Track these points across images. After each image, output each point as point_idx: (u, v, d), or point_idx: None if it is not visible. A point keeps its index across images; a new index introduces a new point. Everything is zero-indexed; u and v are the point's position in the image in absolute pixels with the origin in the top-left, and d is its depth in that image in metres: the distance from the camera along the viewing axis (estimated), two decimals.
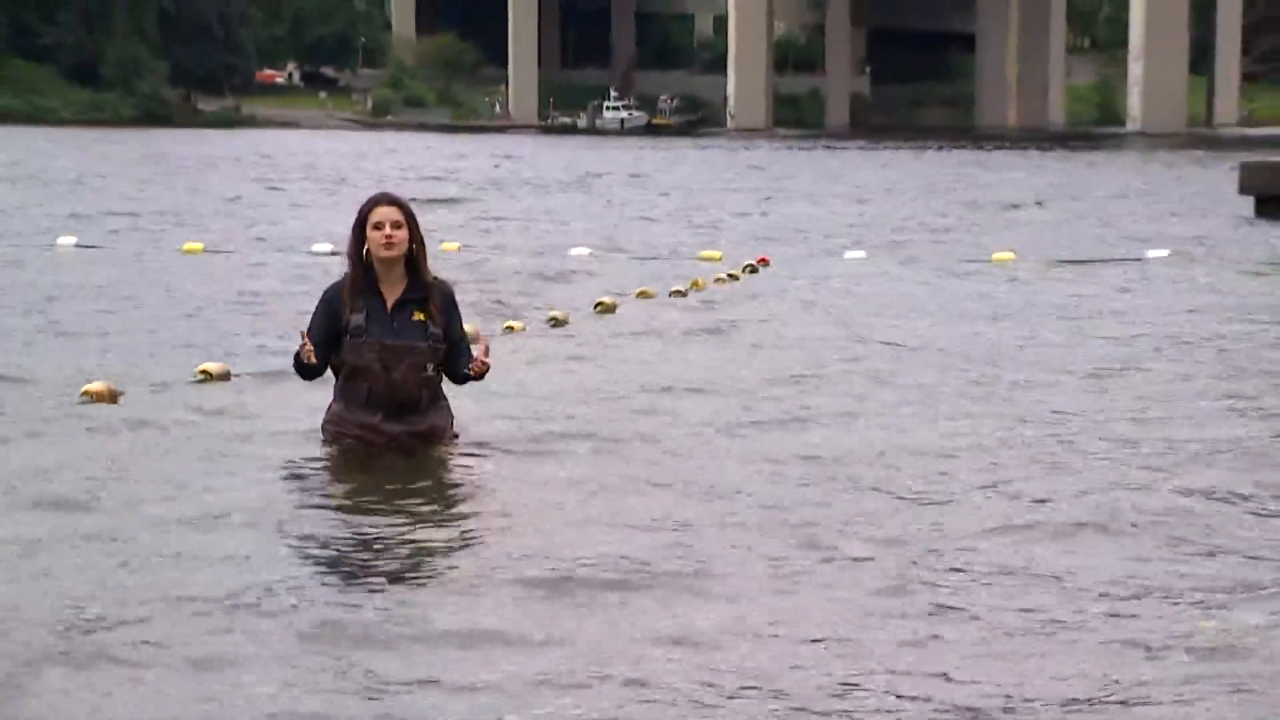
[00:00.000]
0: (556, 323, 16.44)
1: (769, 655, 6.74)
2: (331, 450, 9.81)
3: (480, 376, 9.87)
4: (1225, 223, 29.62)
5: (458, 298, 10.18)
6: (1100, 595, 7.68)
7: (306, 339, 9.51)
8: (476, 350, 9.86)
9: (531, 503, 9.15)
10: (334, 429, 9.88)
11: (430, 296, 9.74)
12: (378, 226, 9.60)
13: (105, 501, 9.06)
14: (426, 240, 9.88)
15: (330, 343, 9.65)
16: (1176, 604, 7.48)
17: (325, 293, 9.92)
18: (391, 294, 9.68)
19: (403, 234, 9.61)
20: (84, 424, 11.08)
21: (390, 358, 9.58)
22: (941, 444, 11.09)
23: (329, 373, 9.90)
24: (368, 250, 9.66)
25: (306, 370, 9.77)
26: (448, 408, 10.05)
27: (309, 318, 9.93)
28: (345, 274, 9.87)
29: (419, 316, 9.68)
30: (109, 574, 7.73)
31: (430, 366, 9.72)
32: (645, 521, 8.89)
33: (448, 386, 10.13)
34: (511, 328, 15.79)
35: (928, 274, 22.19)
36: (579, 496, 9.36)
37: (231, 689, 6.23)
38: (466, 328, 10.31)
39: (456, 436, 10.10)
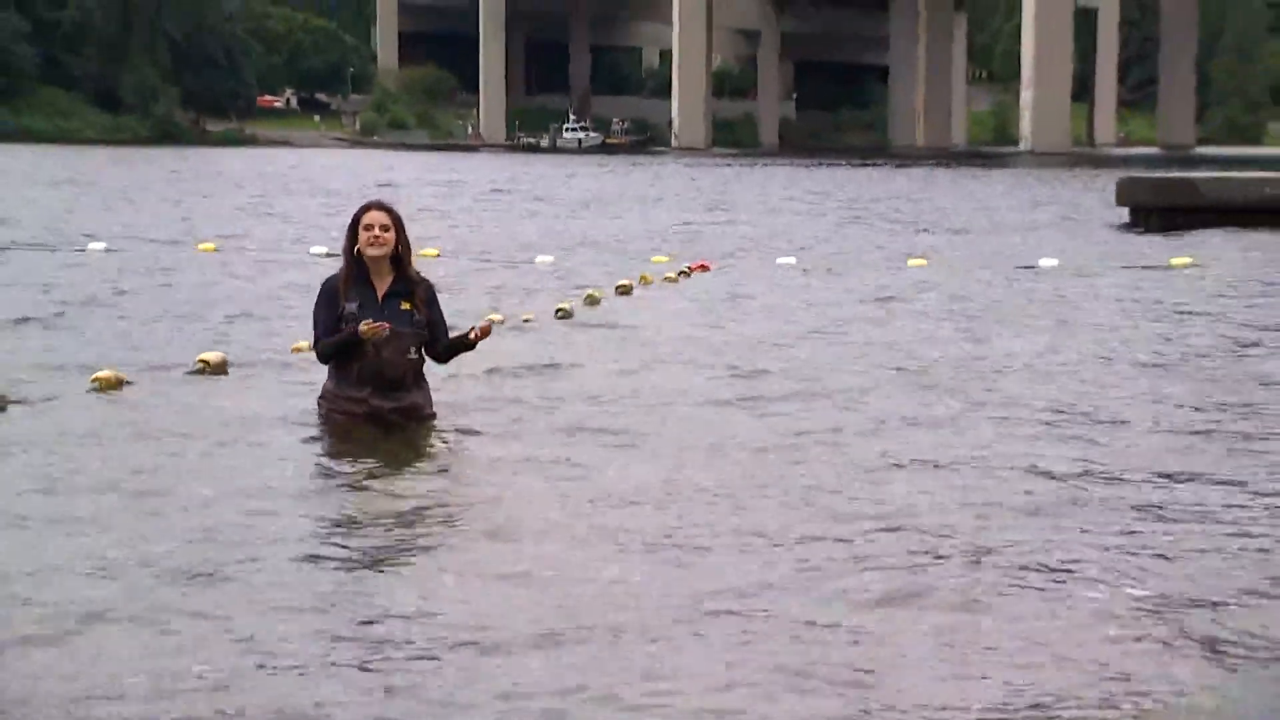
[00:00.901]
0: (528, 321, 16.14)
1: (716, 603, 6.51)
2: (325, 428, 9.89)
3: (478, 339, 10.00)
4: (1105, 230, 29.74)
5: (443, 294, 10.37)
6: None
7: (375, 325, 9.49)
8: (476, 329, 10.04)
9: (505, 475, 9.09)
10: (328, 405, 9.91)
11: (414, 290, 9.86)
12: (368, 228, 9.72)
13: (109, 475, 8.87)
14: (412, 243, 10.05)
15: (333, 328, 9.71)
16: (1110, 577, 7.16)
17: (324, 284, 9.99)
18: (381, 286, 9.78)
19: (390, 235, 9.75)
20: (93, 407, 10.94)
21: (380, 343, 9.56)
22: (848, 417, 10.91)
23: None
24: (359, 248, 9.73)
25: (330, 355, 9.85)
26: (428, 389, 10.08)
27: (312, 309, 10.01)
28: (340, 268, 9.92)
29: (405, 306, 9.77)
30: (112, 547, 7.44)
31: (414, 349, 9.81)
32: (608, 492, 8.75)
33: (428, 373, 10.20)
34: (493, 319, 15.48)
35: (852, 278, 21.97)
36: (549, 470, 9.28)
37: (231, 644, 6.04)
38: (494, 317, 11.19)
39: (434, 415, 10.10)
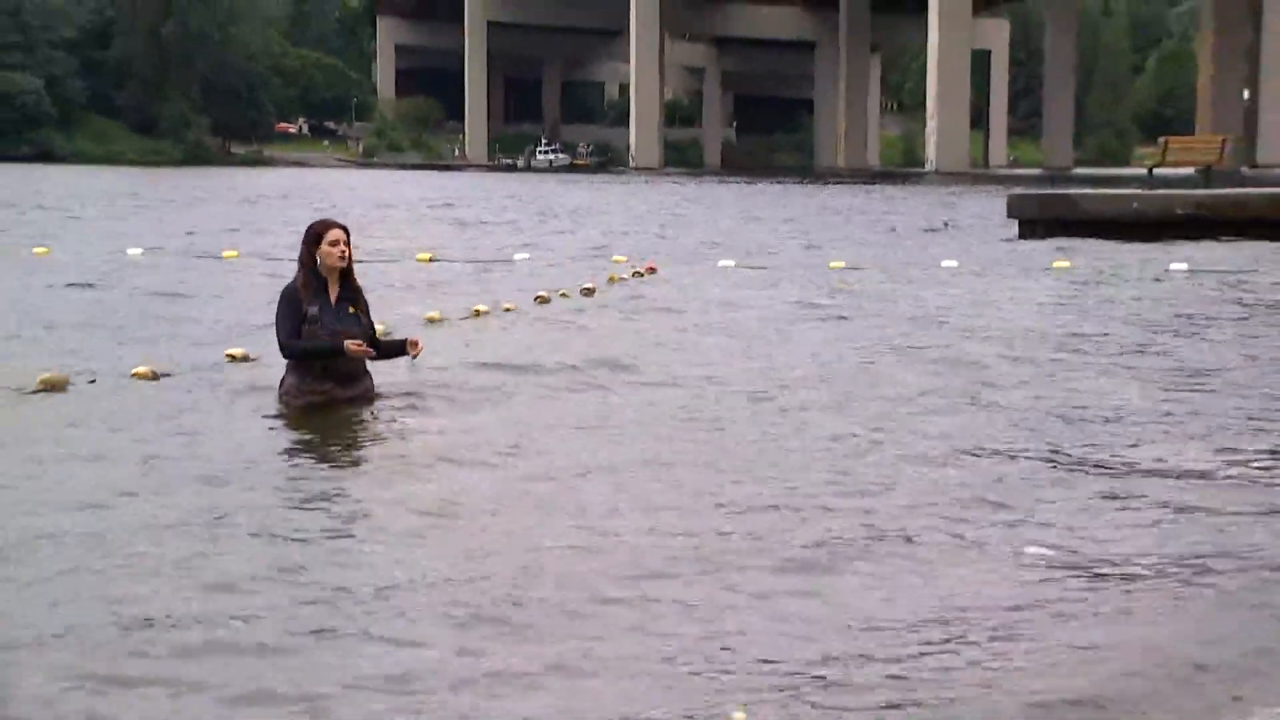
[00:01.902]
0: (509, 309, 16.18)
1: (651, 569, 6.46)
2: (291, 416, 9.71)
3: (414, 354, 10.35)
4: (997, 239, 29.68)
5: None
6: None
7: (351, 343, 9.71)
8: (412, 343, 10.35)
9: (453, 445, 9.06)
10: (290, 397, 9.83)
11: (358, 296, 9.97)
12: (334, 243, 9.74)
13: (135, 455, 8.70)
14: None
15: (298, 331, 9.69)
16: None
17: (285, 292, 9.87)
18: (333, 293, 9.81)
19: (349, 250, 9.82)
20: (128, 398, 10.67)
21: (336, 337, 9.64)
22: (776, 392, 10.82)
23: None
24: (320, 260, 9.76)
25: (300, 354, 9.79)
26: (371, 377, 10.15)
27: (275, 314, 9.93)
28: (296, 276, 9.87)
29: (353, 310, 9.87)
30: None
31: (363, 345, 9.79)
32: (544, 460, 8.71)
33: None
34: (478, 311, 15.53)
35: (782, 278, 21.98)
36: (496, 440, 9.21)
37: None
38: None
39: (379, 395, 10.15)
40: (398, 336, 10.55)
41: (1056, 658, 5.51)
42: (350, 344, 9.60)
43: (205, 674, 5.11)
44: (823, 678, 5.24)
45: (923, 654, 5.52)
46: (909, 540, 7.11)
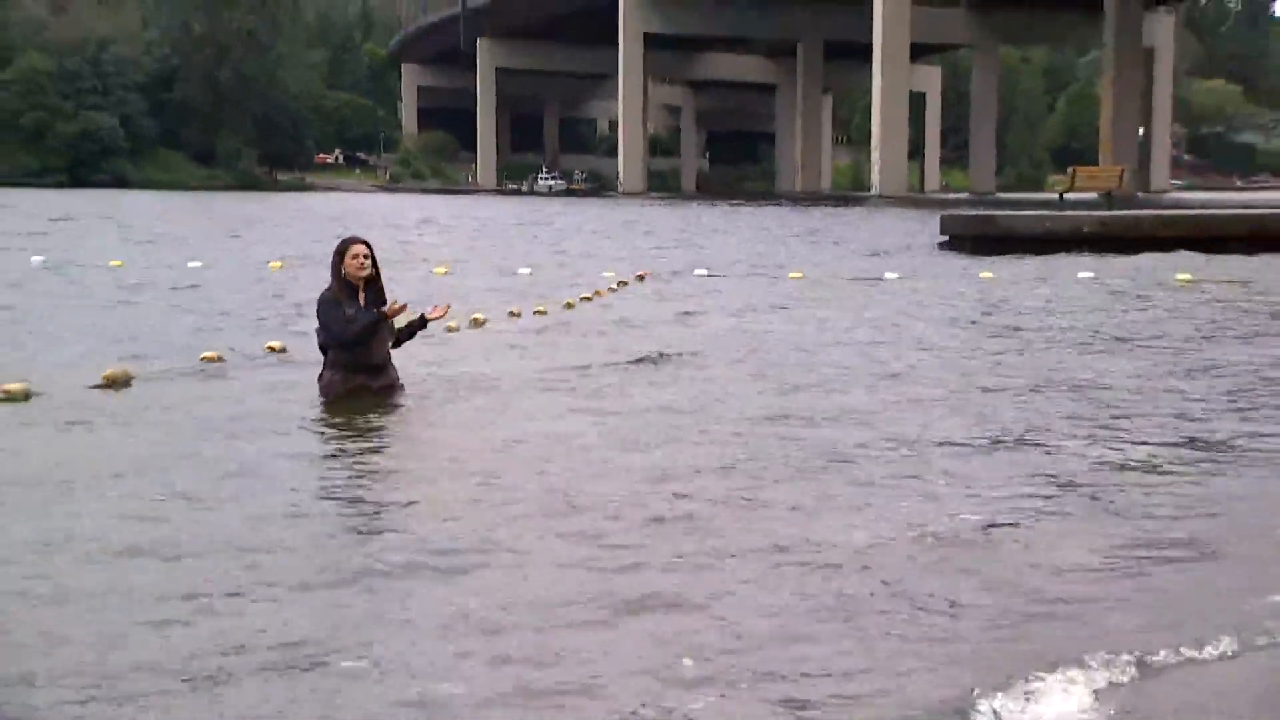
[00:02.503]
0: (514, 315, 16.11)
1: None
2: (329, 404, 9.69)
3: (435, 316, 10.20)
4: (931, 253, 29.75)
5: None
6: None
7: (392, 304, 9.84)
8: (434, 310, 10.21)
9: (464, 431, 8.92)
10: (331, 389, 9.83)
11: (384, 300, 9.90)
12: (354, 256, 9.74)
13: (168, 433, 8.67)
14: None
15: (343, 324, 9.69)
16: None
17: (322, 298, 9.88)
18: (361, 299, 9.79)
19: (370, 262, 9.78)
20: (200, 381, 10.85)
21: (379, 315, 9.74)
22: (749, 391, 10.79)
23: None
24: (346, 272, 9.77)
25: (349, 343, 9.77)
26: (396, 369, 10.14)
27: (318, 315, 9.92)
28: (330, 286, 9.85)
29: (378, 312, 9.81)
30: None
31: (390, 342, 9.93)
32: (550, 446, 8.49)
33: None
34: (476, 320, 15.41)
35: (748, 284, 21.99)
36: (500, 425, 9.07)
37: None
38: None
39: (403, 387, 10.10)
40: (412, 320, 10.15)
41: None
42: (392, 306, 9.76)
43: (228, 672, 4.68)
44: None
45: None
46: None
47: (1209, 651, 4.97)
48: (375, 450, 8.42)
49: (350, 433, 8.93)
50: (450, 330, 14.53)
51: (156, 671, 4.56)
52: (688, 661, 4.76)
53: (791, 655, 4.84)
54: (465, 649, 4.84)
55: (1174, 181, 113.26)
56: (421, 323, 10.11)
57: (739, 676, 4.63)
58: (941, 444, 8.67)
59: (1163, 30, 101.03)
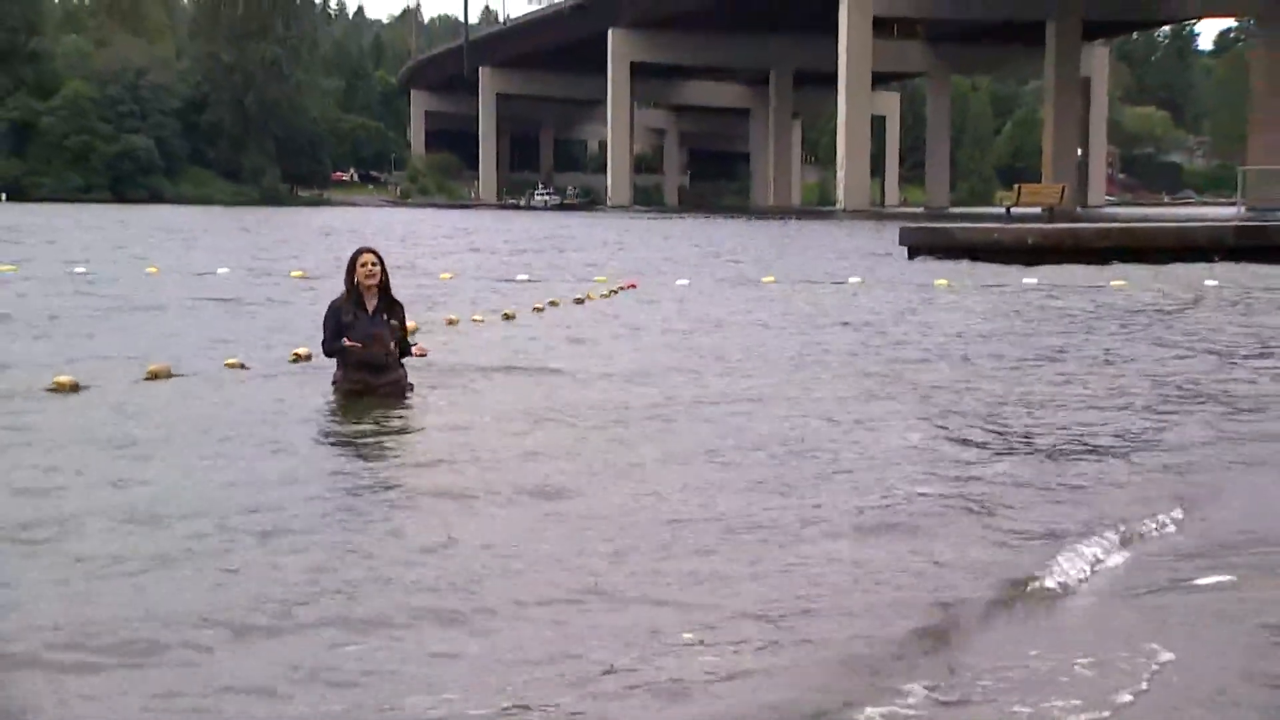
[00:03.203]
0: (507, 317, 16.09)
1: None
2: (338, 399, 9.67)
3: (418, 354, 10.21)
4: (890, 261, 29.77)
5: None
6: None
7: (347, 342, 9.70)
8: (416, 349, 10.23)
9: (470, 423, 8.96)
10: (339, 385, 9.82)
11: (394, 308, 9.88)
12: (364, 265, 9.74)
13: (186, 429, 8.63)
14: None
15: (339, 335, 9.70)
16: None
17: (330, 305, 9.95)
18: (370, 305, 9.75)
19: (378, 270, 9.76)
20: (220, 382, 10.78)
21: (365, 339, 9.65)
22: (736, 383, 10.80)
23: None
24: (357, 280, 9.74)
25: (334, 353, 9.83)
26: (404, 369, 10.00)
27: (322, 321, 9.94)
28: (341, 293, 9.88)
29: (386, 317, 9.79)
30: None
31: (391, 345, 9.78)
32: (546, 438, 8.51)
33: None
34: (476, 319, 15.41)
35: (726, 289, 22.01)
36: (502, 421, 9.07)
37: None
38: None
39: (412, 386, 9.98)
40: (421, 338, 10.59)
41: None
42: (346, 343, 9.66)
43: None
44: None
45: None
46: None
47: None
48: (353, 427, 8.60)
49: (343, 418, 9.14)
50: (450, 323, 14.59)
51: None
52: (687, 635, 4.76)
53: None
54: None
55: (1108, 197, 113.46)
56: (409, 353, 10.10)
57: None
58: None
59: (1098, 61, 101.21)
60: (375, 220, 69.69)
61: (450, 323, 15.02)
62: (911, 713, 4.03)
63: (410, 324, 10.77)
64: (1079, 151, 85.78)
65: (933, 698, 4.14)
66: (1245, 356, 13.18)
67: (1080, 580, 5.54)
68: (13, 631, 4.59)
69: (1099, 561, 5.80)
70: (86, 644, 4.49)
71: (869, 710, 4.03)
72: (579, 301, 18.68)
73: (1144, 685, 4.27)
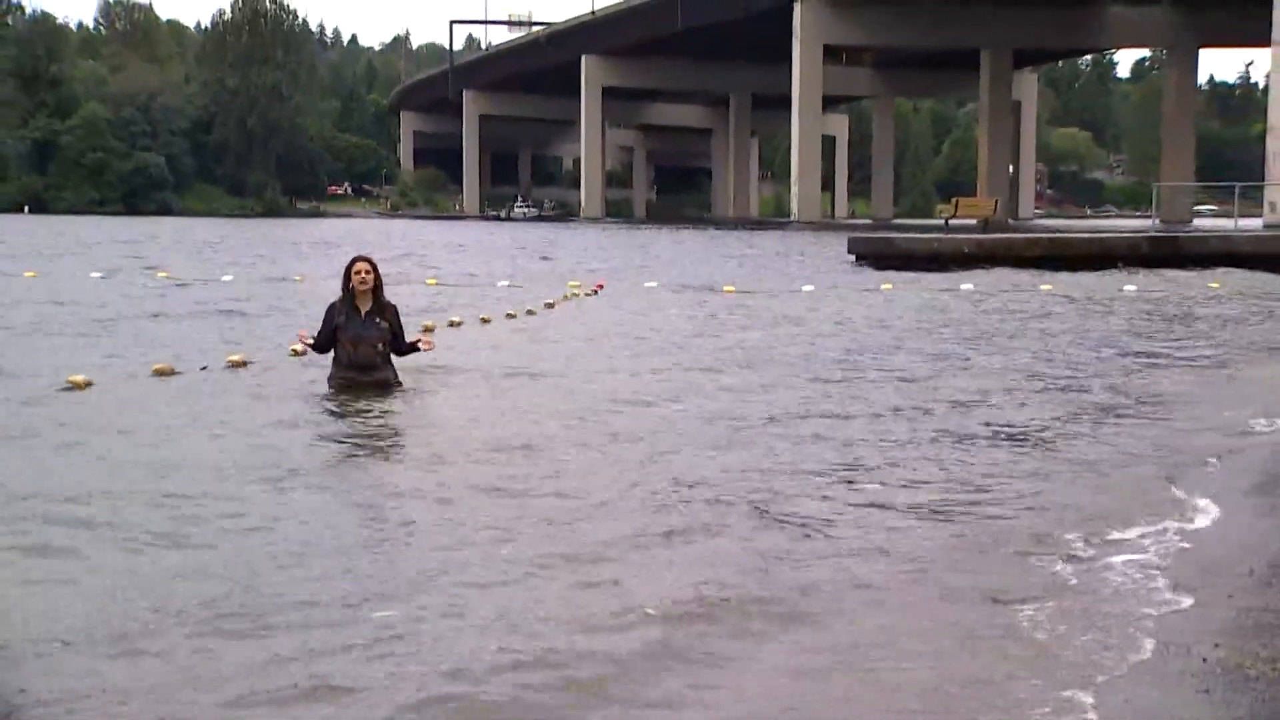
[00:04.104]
0: (485, 322, 16.01)
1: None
2: (331, 394, 9.61)
3: (426, 350, 10.25)
4: (840, 269, 29.84)
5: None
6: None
7: (307, 340, 10.02)
8: (424, 342, 10.31)
9: (450, 417, 8.92)
10: (331, 381, 9.81)
11: (385, 310, 9.87)
12: (358, 272, 9.77)
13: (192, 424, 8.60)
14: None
15: (331, 335, 9.78)
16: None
17: (328, 306, 9.99)
18: (364, 308, 9.76)
19: (371, 277, 9.77)
20: (225, 378, 10.70)
21: (356, 340, 9.68)
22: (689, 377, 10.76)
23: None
24: (351, 285, 9.76)
25: (319, 350, 9.97)
26: (394, 368, 9.94)
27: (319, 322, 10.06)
28: (338, 296, 9.92)
29: (378, 320, 9.78)
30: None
31: (381, 345, 9.75)
32: (525, 431, 8.44)
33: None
34: (454, 321, 15.38)
35: (690, 295, 22.01)
36: (483, 415, 9.03)
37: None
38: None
39: (401, 383, 9.89)
40: (416, 338, 10.40)
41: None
42: (299, 343, 10.06)
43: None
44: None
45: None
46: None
47: None
48: (341, 418, 8.54)
49: (331, 408, 9.15)
50: (427, 329, 14.56)
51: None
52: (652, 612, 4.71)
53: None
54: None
55: (1037, 210, 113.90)
56: (415, 349, 10.12)
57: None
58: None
59: (1027, 87, 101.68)
60: (368, 230, 69.35)
61: (426, 329, 14.97)
62: None
63: (428, 323, 11.29)
64: (1010, 168, 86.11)
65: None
66: (1137, 352, 13.31)
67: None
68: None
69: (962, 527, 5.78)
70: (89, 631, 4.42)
71: None
72: (549, 306, 18.65)
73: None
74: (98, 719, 3.67)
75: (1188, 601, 4.81)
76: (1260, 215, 40.63)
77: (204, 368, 10.86)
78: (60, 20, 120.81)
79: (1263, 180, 40.99)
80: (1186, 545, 5.67)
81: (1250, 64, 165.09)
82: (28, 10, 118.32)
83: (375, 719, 3.69)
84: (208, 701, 3.79)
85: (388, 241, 50.46)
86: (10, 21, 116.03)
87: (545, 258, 36.66)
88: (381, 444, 8.10)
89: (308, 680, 3.93)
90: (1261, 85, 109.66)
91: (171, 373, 10.57)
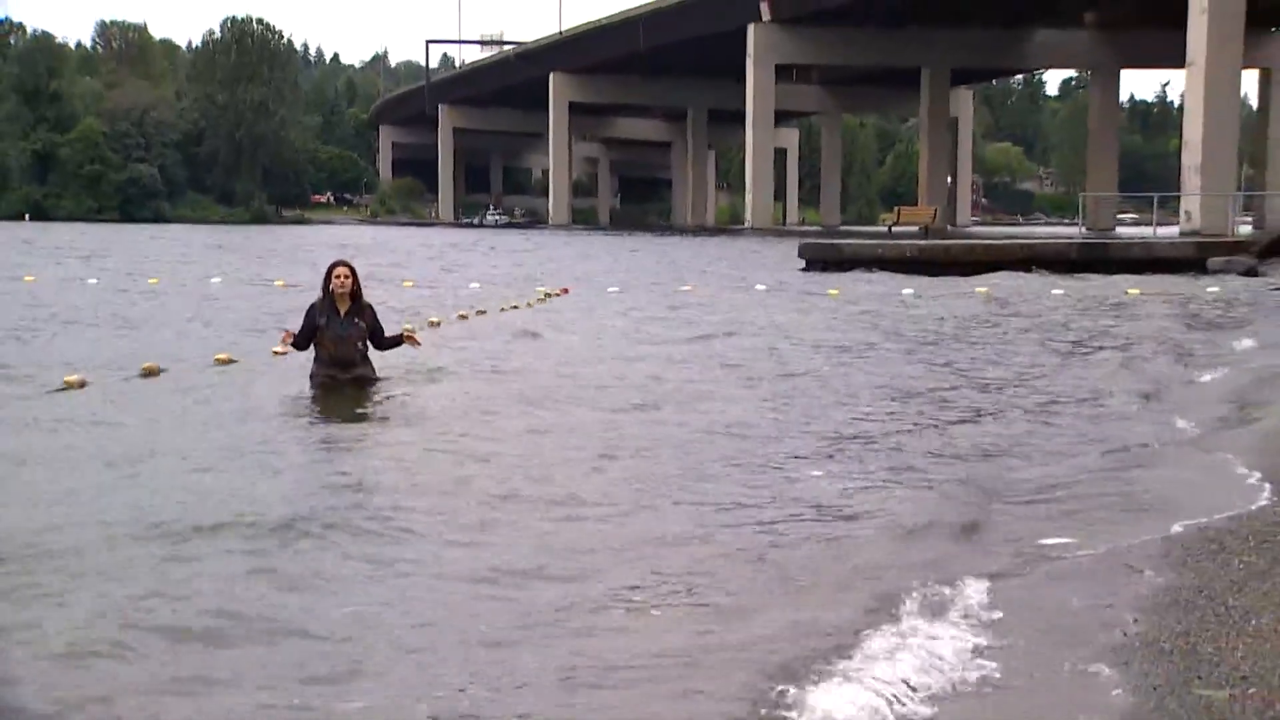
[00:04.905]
0: (463, 318, 16.02)
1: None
2: (313, 390, 9.58)
3: (406, 340, 10.11)
4: (791, 272, 29.91)
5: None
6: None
7: (289, 341, 9.75)
8: (414, 337, 10.20)
9: (429, 411, 8.88)
10: (313, 379, 9.75)
11: (363, 310, 9.80)
12: (337, 276, 9.70)
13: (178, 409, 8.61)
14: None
15: (311, 334, 9.68)
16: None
17: (308, 307, 9.88)
18: (343, 309, 9.69)
19: (350, 280, 9.70)
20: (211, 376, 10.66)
21: (336, 339, 9.60)
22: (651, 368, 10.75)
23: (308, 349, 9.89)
24: (331, 288, 9.69)
25: (299, 348, 9.79)
26: (372, 364, 9.90)
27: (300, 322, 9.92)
28: (319, 297, 9.84)
29: (356, 320, 9.70)
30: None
31: (360, 343, 9.71)
32: (506, 425, 8.47)
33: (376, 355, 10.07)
34: (432, 321, 15.33)
35: (653, 295, 22.03)
36: (460, 410, 9.00)
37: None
38: (416, 332, 10.71)
39: (378, 379, 9.87)
40: (396, 334, 10.29)
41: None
42: (281, 344, 9.89)
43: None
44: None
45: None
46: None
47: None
48: (320, 411, 8.52)
49: (316, 405, 9.15)
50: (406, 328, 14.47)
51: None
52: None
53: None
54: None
55: (973, 219, 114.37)
56: (398, 341, 10.07)
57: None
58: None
59: (964, 104, 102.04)
60: (349, 236, 68.96)
61: (406, 326, 14.91)
62: None
63: (408, 324, 11.24)
64: (949, 179, 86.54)
65: None
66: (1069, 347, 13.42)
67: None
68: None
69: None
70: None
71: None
72: (515, 308, 18.61)
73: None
74: None
75: (1109, 579, 4.83)
76: (1176, 223, 40.98)
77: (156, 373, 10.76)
78: (60, 40, 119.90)
79: (1179, 191, 41.33)
80: (1108, 525, 5.72)
81: (1167, 84, 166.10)
82: (29, 30, 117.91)
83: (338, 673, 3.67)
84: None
85: (370, 245, 50.32)
86: (13, 41, 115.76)
87: (516, 264, 36.57)
88: (358, 432, 8.10)
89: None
90: (1177, 104, 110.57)
91: (157, 372, 10.50)
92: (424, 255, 42.35)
